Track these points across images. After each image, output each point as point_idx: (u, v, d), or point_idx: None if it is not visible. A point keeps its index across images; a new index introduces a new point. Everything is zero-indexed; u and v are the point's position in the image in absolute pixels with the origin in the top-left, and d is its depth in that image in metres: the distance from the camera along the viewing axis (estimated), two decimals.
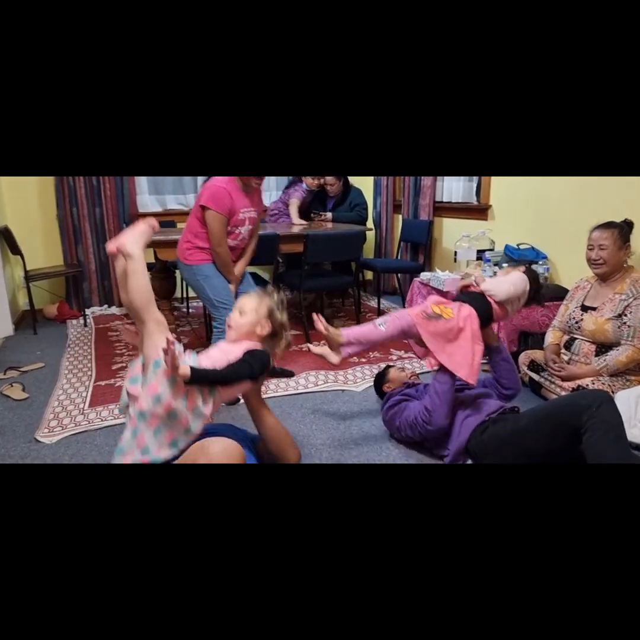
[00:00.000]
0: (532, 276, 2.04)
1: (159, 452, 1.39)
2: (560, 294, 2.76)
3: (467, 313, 1.93)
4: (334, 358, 1.92)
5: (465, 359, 1.87)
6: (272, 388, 2.68)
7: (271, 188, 4.92)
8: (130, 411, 1.44)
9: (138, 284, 1.41)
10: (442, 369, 1.90)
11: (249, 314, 1.63)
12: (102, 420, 2.31)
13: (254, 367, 1.52)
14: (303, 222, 4.10)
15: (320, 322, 1.88)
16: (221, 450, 1.16)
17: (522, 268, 2.07)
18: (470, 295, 2.03)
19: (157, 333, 1.43)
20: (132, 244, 1.42)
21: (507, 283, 1.99)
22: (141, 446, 1.39)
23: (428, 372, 2.81)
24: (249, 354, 1.55)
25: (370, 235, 4.72)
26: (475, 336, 1.90)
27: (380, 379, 2.40)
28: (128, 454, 1.40)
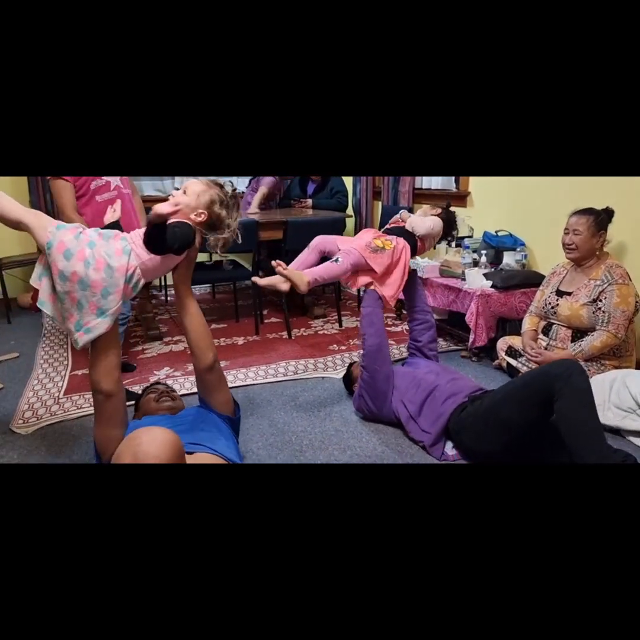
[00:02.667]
0: (448, 217, 2.43)
1: (88, 324, 1.47)
2: (538, 280, 2.79)
3: (402, 245, 2.26)
4: (284, 285, 2.04)
5: (395, 283, 2.23)
6: (251, 376, 2.67)
7: None
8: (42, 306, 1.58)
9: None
10: (367, 294, 2.18)
11: (190, 196, 1.57)
12: (78, 409, 2.28)
13: (176, 239, 1.50)
14: (256, 211, 3.97)
15: (279, 265, 1.97)
16: (148, 441, 1.09)
17: (438, 210, 2.42)
18: (399, 229, 2.37)
19: (39, 221, 1.49)
20: None
21: (427, 222, 2.35)
22: (73, 323, 1.48)
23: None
24: (174, 225, 1.51)
25: (350, 222, 4.70)
26: (406, 265, 2.27)
27: (348, 381, 2.46)
28: (70, 335, 1.53)
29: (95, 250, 1.45)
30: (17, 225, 1.51)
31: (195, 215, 1.56)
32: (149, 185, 4.56)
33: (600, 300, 2.23)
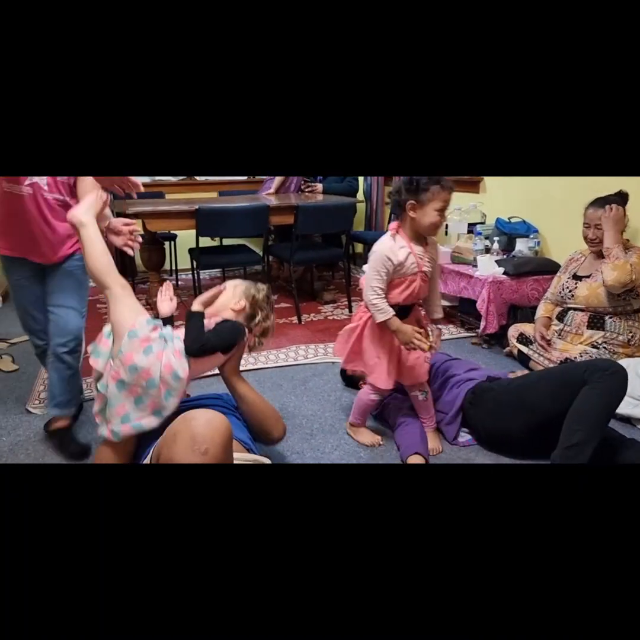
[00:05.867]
0: None
1: (140, 420, 1.41)
2: (550, 267, 2.77)
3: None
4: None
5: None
6: (262, 360, 2.69)
7: None
8: (98, 385, 1.46)
9: (95, 251, 1.45)
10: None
11: (228, 289, 1.62)
12: (92, 391, 2.30)
13: (223, 336, 1.50)
14: (271, 195, 4.07)
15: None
16: (205, 422, 1.13)
17: None
18: None
19: (125, 297, 1.45)
20: (82, 214, 1.48)
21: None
22: (121, 414, 1.40)
23: None
24: (219, 324, 1.52)
25: (361, 207, 4.68)
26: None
27: (350, 378, 2.34)
28: (107, 425, 1.43)
29: (166, 352, 1.41)
30: (100, 286, 1.46)
31: (234, 304, 1.58)
32: None
33: None
